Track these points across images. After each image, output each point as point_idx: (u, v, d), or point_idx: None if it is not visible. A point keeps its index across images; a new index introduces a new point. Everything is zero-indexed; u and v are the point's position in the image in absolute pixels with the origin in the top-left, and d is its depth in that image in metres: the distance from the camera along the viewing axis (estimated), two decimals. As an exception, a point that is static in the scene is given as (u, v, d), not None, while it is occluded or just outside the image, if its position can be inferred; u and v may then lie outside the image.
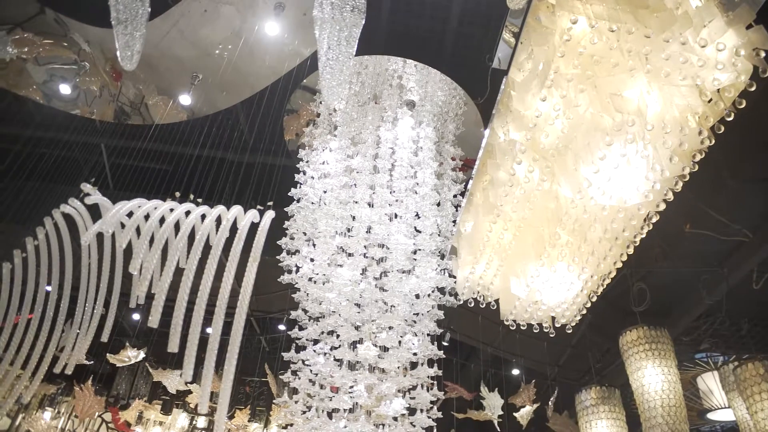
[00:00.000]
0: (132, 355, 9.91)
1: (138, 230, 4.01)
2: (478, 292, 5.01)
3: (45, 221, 5.05)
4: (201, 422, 12.73)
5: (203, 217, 4.01)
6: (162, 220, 4.00)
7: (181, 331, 3.45)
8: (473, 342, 10.87)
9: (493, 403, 9.66)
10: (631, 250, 3.61)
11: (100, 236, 4.59)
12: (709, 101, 2.78)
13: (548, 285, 4.20)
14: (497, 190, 3.98)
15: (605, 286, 4.11)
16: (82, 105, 8.33)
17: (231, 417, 10.57)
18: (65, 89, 8.05)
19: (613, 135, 2.86)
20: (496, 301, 5.04)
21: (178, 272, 4.20)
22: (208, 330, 3.64)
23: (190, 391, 10.38)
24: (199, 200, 4.05)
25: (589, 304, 4.38)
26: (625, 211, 3.34)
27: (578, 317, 4.59)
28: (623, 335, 5.48)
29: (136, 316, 11.35)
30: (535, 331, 4.75)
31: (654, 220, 3.33)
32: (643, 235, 3.57)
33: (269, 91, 6.83)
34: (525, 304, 4.46)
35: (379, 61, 6.71)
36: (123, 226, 4.19)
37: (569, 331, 4.68)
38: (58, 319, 5.30)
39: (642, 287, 5.60)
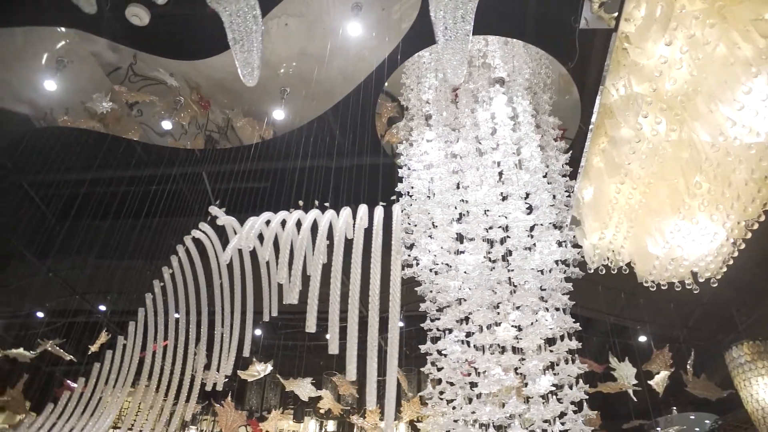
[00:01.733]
0: (260, 369, 10.37)
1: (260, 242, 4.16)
2: (608, 258, 4.84)
3: (177, 249, 5.35)
4: (330, 426, 13.13)
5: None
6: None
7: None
8: (590, 312, 10.52)
9: (625, 373, 9.30)
10: (784, 187, 3.36)
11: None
12: None
13: (689, 239, 3.98)
14: (621, 149, 3.82)
15: (753, 231, 3.85)
16: (173, 139, 8.76)
17: (363, 416, 10.79)
18: (165, 125, 8.48)
19: (760, 64, 2.66)
20: (628, 265, 4.84)
21: (306, 280, 4.33)
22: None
23: (320, 398, 10.71)
24: (326, 204, 4.15)
25: (735, 253, 4.12)
26: (775, 145, 3.10)
27: (724, 269, 4.33)
28: (773, 282, 5.12)
29: (257, 332, 11.86)
30: (677, 289, 4.53)
31: (810, 150, 3.07)
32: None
33: (362, 91, 6.90)
34: (665, 263, 4.26)
35: (461, 44, 6.62)
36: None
37: (714, 285, 4.42)
38: (201, 341, 5.62)
39: (786, 229, 5.19)
